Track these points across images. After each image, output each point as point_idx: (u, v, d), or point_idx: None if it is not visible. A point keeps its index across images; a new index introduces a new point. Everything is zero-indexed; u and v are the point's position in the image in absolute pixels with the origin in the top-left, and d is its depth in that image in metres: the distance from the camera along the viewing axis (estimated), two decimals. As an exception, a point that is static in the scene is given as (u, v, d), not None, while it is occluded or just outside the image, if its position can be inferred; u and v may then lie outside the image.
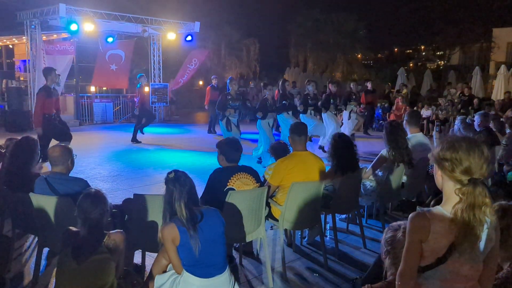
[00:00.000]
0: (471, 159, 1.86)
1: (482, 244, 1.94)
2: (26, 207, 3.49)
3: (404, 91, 16.26)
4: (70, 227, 2.68)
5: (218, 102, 8.41)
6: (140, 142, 11.01)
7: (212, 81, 13.30)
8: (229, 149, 3.77)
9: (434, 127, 12.23)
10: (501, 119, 7.47)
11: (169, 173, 2.69)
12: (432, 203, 4.11)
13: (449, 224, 1.90)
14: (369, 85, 13.37)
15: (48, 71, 7.34)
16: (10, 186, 3.83)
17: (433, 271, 1.98)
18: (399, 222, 2.47)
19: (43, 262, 3.84)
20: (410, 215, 1.98)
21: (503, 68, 17.32)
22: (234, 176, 3.67)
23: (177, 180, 2.64)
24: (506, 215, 2.35)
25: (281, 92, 8.97)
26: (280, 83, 9.12)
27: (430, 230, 1.92)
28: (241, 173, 3.73)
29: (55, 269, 2.70)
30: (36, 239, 4.08)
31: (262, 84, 9.90)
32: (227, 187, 3.63)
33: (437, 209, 1.97)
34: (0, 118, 13.46)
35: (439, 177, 1.99)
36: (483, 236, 1.94)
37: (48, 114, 7.21)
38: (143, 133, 11.33)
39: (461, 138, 1.93)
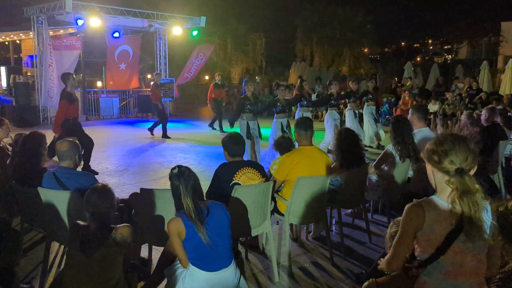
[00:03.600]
0: (456, 150, 1.99)
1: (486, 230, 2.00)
2: (34, 201, 3.53)
3: (408, 83, 16.15)
4: (78, 221, 2.72)
5: (237, 106, 7.99)
6: (170, 137, 11.13)
7: (216, 77, 13.03)
8: (230, 143, 3.80)
9: (438, 122, 12.10)
10: (509, 114, 7.41)
11: (172, 169, 2.72)
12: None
13: (445, 212, 1.99)
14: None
15: (66, 77, 7.25)
16: (19, 181, 3.87)
17: (435, 264, 2.01)
18: None
19: (51, 256, 3.89)
20: (406, 206, 2.07)
21: (511, 62, 17.13)
22: (239, 170, 3.70)
23: (181, 175, 2.66)
24: None
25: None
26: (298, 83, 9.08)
27: (425, 218, 2.01)
28: (247, 167, 3.74)
29: (63, 262, 2.74)
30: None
31: (274, 84, 9.66)
32: (233, 181, 3.65)
33: (432, 198, 2.07)
34: (8, 113, 13.55)
35: (430, 172, 2.10)
36: (487, 223, 2.00)
37: (72, 118, 7.14)
38: (152, 134, 11.44)
39: (448, 134, 2.09)
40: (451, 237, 1.98)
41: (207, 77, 25.41)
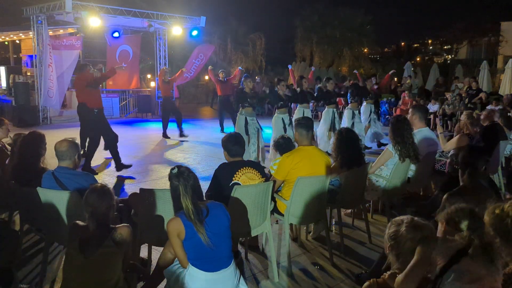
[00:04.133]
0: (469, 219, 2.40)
1: None
2: (34, 201, 3.52)
3: (408, 81, 16.16)
4: (77, 221, 2.71)
5: (236, 96, 8.01)
6: (169, 137, 11.09)
7: (219, 75, 12.62)
8: (230, 143, 3.79)
9: (437, 122, 12.07)
10: (509, 114, 7.41)
11: (172, 169, 2.71)
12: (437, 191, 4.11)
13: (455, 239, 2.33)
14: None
15: (83, 67, 7.29)
16: (18, 181, 3.86)
17: (450, 272, 2.09)
18: (402, 217, 2.48)
19: (50, 256, 3.89)
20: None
21: (511, 62, 17.12)
22: (239, 170, 3.69)
23: (181, 175, 2.66)
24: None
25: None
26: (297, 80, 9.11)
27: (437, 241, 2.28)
28: (247, 167, 3.74)
29: (62, 263, 2.73)
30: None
31: (276, 79, 9.72)
32: (233, 181, 3.64)
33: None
34: (7, 113, 13.54)
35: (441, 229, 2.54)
36: None
37: (97, 109, 7.20)
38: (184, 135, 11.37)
39: (463, 206, 2.51)
40: (464, 250, 2.16)
41: (206, 77, 25.42)
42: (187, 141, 10.84)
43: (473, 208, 2.51)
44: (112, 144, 7.30)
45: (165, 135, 11.18)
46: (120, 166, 7.26)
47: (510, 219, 2.27)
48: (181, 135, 11.20)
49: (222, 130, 12.32)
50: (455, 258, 2.16)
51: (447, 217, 2.53)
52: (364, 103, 9.99)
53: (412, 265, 2.19)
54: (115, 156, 7.28)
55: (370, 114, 9.96)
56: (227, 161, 3.83)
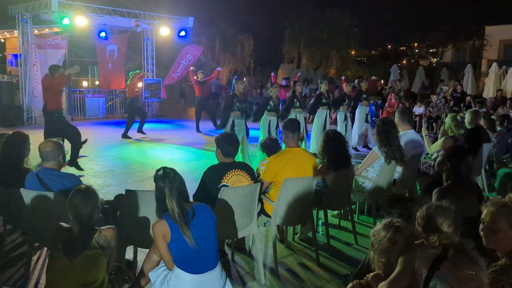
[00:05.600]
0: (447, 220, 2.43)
1: None
2: (17, 202, 3.47)
3: (398, 84, 16.34)
4: (61, 223, 2.68)
5: (225, 105, 7.97)
6: (131, 138, 11.02)
7: (198, 76, 12.59)
8: (225, 143, 3.77)
9: (423, 125, 12.18)
10: (492, 117, 7.52)
11: (157, 170, 2.69)
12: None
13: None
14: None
15: (55, 69, 7.19)
16: (0, 182, 3.80)
17: (435, 279, 2.14)
18: (389, 218, 2.50)
19: (34, 258, 3.83)
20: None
21: (495, 66, 17.40)
22: (229, 172, 3.67)
23: (166, 176, 2.64)
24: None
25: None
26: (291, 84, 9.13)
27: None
28: (236, 169, 3.73)
29: (46, 265, 2.70)
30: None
31: (269, 83, 9.74)
32: (221, 183, 3.63)
33: None
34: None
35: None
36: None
37: (57, 109, 7.15)
38: (144, 133, 11.31)
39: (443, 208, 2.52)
40: (441, 256, 2.20)
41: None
42: (174, 142, 10.79)
43: (447, 206, 2.51)
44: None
45: (125, 135, 11.09)
46: (73, 163, 7.22)
47: None
48: (140, 131, 11.28)
49: (197, 130, 12.39)
50: (435, 265, 2.17)
51: (422, 216, 2.51)
52: (359, 105, 9.96)
53: (396, 274, 2.21)
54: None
55: (364, 117, 9.93)
56: (217, 162, 3.81)
